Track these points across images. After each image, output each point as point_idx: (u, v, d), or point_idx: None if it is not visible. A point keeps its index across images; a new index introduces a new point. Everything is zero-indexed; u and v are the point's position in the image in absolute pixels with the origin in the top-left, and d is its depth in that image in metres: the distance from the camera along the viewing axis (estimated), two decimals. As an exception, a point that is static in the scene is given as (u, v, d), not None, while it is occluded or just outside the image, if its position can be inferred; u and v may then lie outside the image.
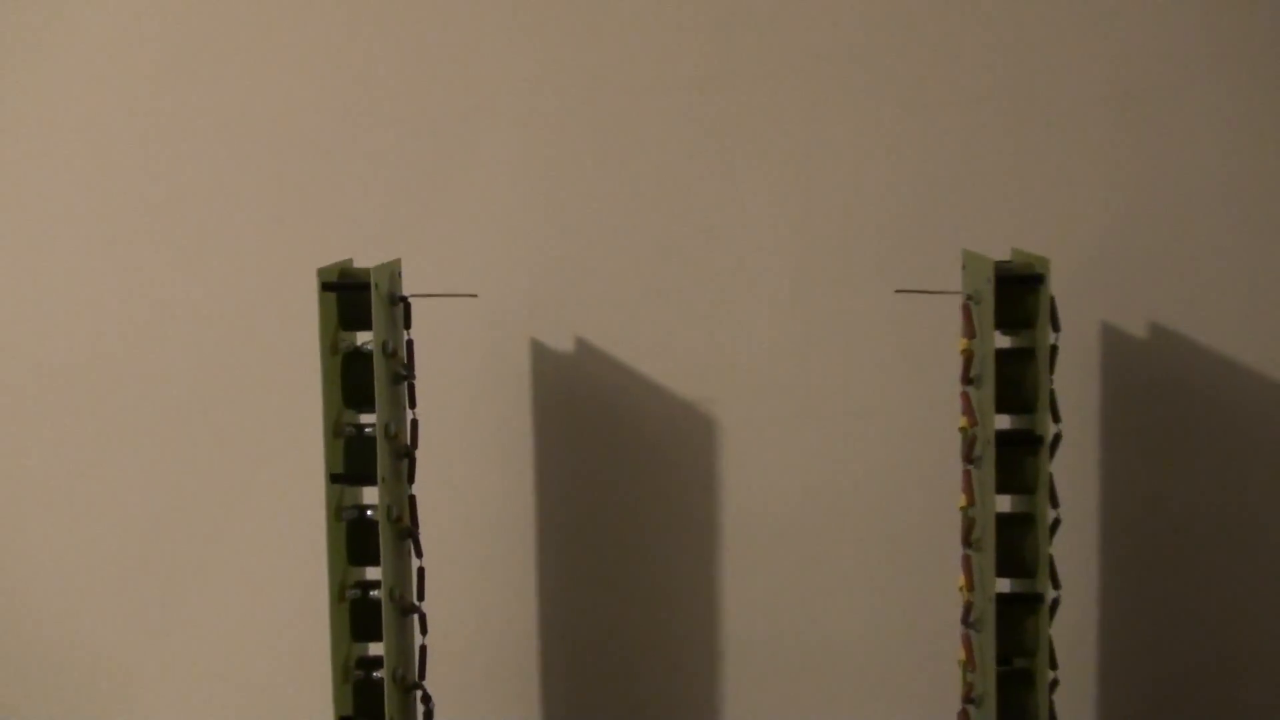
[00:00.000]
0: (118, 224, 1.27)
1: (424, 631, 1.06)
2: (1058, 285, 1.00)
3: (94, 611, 1.31)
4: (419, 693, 1.04)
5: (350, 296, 0.97)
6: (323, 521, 1.09)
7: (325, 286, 0.97)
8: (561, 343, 1.23)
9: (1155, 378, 1.22)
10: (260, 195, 1.23)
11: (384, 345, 0.97)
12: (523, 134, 1.22)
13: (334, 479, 0.98)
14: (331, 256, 1.16)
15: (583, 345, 1.23)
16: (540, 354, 1.24)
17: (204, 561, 1.28)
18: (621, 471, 1.26)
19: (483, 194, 1.23)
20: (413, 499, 1.03)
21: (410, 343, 1.02)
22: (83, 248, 1.27)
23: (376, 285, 0.96)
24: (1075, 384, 1.19)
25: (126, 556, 1.28)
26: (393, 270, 0.99)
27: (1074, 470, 1.20)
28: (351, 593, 0.99)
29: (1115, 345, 1.23)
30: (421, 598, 1.04)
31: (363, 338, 1.01)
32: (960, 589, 1.07)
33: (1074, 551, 1.18)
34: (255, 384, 1.24)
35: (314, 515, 1.17)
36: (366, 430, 0.99)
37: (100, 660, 1.31)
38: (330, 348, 0.97)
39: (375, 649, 1.04)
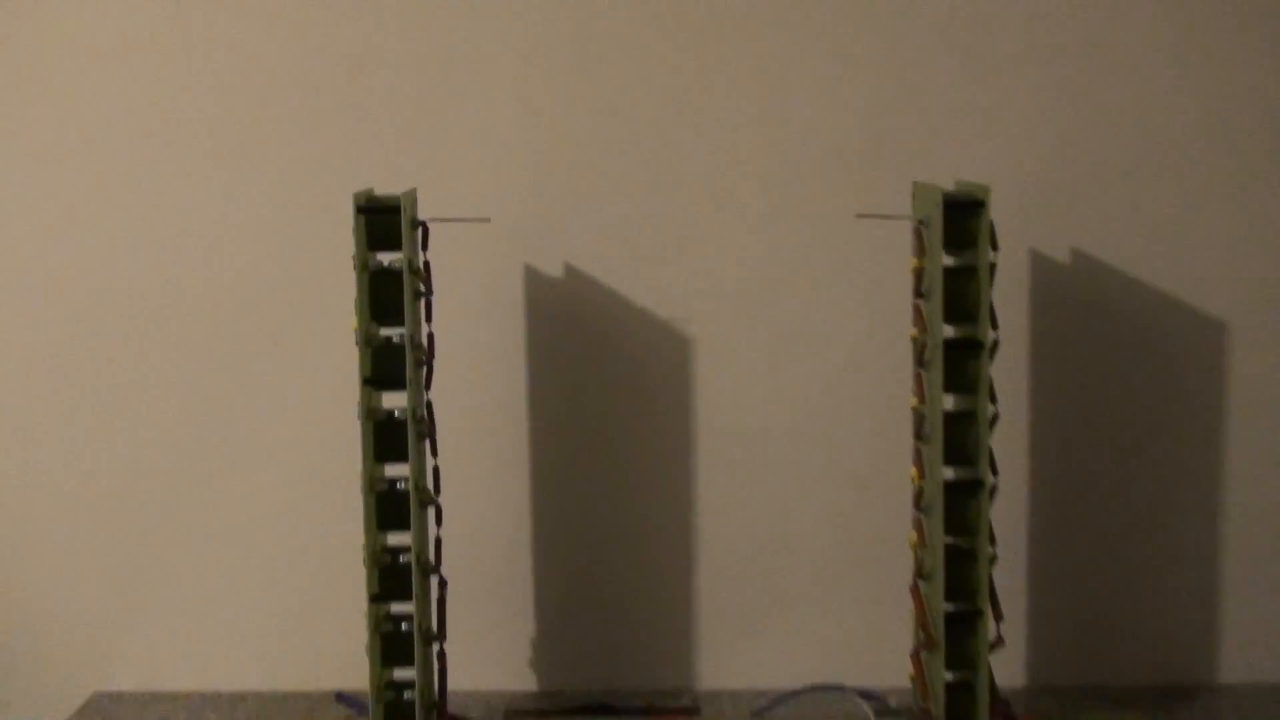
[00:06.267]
0: (155, 150, 1.25)
1: (439, 523, 1.10)
2: (993, 213, 1.04)
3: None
4: (436, 577, 1.10)
5: (379, 219, 1.03)
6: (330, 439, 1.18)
7: (359, 209, 1.02)
8: (552, 268, 1.26)
9: (1077, 298, 1.26)
10: (281, 128, 1.25)
11: (409, 263, 1.02)
12: (516, 76, 1.24)
13: (366, 382, 1.03)
14: (344, 184, 1.15)
15: (571, 270, 1.26)
16: (533, 277, 1.26)
17: (219, 485, 1.29)
18: (605, 384, 1.28)
19: (484, 134, 1.25)
20: (429, 404, 1.08)
21: (427, 264, 1.07)
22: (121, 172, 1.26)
23: (404, 209, 1.02)
24: (1009, 301, 1.22)
25: (135, 479, 1.28)
26: (412, 197, 1.05)
27: (1009, 373, 1.24)
28: (379, 485, 1.05)
29: (1041, 268, 1.27)
30: (438, 492, 1.09)
31: (385, 258, 1.05)
32: (912, 479, 1.12)
33: (1005, 444, 1.20)
34: (277, 303, 1.26)
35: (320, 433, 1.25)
36: (393, 340, 1.04)
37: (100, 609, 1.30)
38: (361, 265, 1.02)
39: (395, 539, 1.08)
